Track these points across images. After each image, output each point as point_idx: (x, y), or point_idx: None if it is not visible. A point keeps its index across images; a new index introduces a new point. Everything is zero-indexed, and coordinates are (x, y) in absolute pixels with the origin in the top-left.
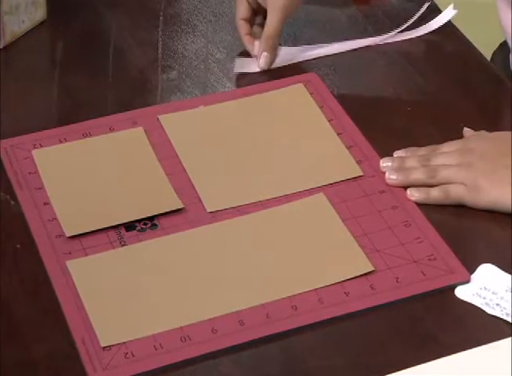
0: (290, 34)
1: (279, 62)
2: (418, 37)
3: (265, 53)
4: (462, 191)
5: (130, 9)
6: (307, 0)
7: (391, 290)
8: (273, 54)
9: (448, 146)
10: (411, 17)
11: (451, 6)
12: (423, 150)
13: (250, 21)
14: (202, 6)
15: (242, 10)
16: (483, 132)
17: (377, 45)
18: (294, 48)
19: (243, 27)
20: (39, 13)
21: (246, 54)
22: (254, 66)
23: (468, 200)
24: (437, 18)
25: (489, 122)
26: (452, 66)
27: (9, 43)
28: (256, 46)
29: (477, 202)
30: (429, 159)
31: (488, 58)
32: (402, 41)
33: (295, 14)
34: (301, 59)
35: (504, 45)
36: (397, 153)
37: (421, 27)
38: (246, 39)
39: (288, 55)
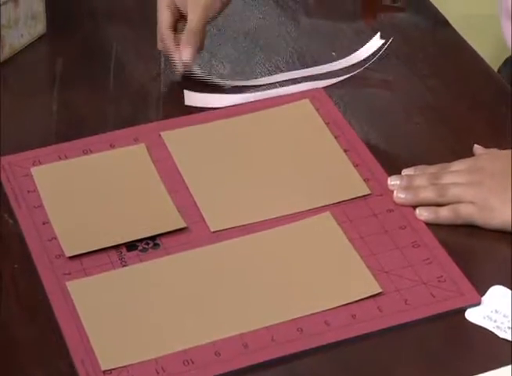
0: (296, 49)
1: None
2: (424, 51)
3: (188, 47)
4: (472, 210)
5: (132, 22)
6: (313, 13)
7: (399, 312)
8: (196, 47)
9: (458, 165)
10: (418, 32)
11: (377, 35)
12: (432, 169)
13: (175, 30)
14: None
15: (166, 19)
16: (494, 150)
17: (386, 60)
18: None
19: (170, 38)
20: (39, 27)
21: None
22: (204, 100)
23: (478, 219)
24: (363, 48)
25: (499, 138)
26: (462, 81)
27: (8, 57)
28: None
29: (488, 222)
30: (438, 177)
31: None
32: (411, 56)
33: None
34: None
35: (510, 60)
36: (405, 172)
37: (345, 59)
38: (175, 49)
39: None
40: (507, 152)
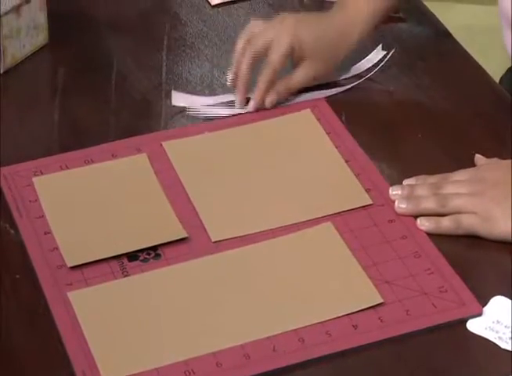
0: None
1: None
2: (425, 61)
3: (273, 96)
4: (474, 221)
5: (133, 33)
6: None
7: (400, 322)
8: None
9: (460, 175)
10: (419, 42)
11: (379, 47)
12: (433, 178)
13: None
14: (207, 30)
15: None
16: (495, 160)
17: (387, 70)
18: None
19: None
20: (40, 37)
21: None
22: (205, 110)
23: (480, 230)
24: (365, 59)
25: (500, 147)
26: (463, 92)
27: (10, 67)
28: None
29: (490, 232)
30: (440, 187)
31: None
32: (412, 66)
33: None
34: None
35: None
36: (407, 181)
37: (350, 70)
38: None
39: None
40: (508, 162)
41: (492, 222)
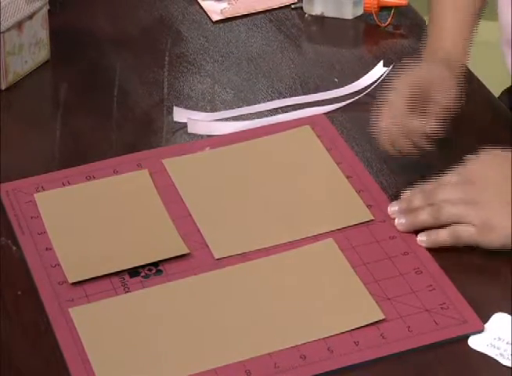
0: (299, 75)
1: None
2: None
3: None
4: (472, 232)
5: (135, 49)
6: (316, 40)
7: (402, 339)
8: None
9: (449, 177)
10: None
11: (380, 64)
12: (428, 186)
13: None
14: (209, 46)
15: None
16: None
17: (388, 85)
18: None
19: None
20: (42, 53)
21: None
22: (206, 127)
23: (480, 240)
24: (366, 76)
25: None
26: (463, 107)
27: (12, 84)
28: None
29: (490, 241)
30: (433, 194)
31: None
32: None
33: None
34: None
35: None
36: (404, 195)
37: (349, 86)
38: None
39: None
40: (495, 156)
41: (490, 230)
